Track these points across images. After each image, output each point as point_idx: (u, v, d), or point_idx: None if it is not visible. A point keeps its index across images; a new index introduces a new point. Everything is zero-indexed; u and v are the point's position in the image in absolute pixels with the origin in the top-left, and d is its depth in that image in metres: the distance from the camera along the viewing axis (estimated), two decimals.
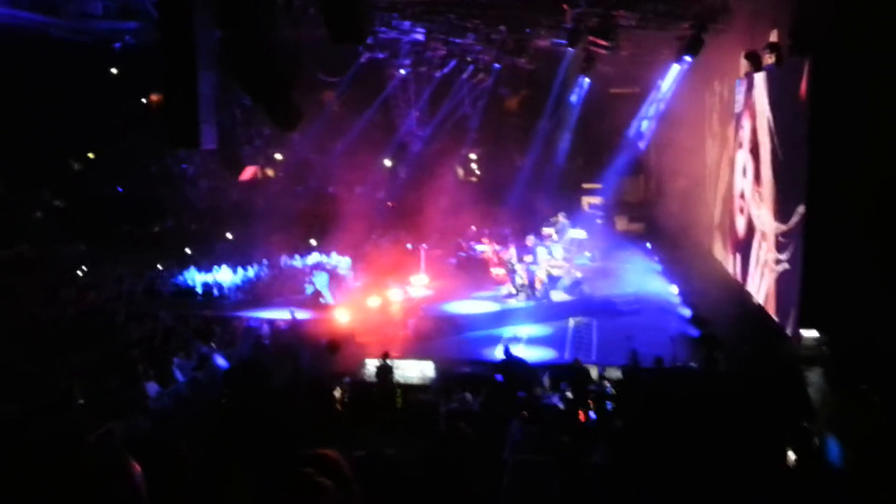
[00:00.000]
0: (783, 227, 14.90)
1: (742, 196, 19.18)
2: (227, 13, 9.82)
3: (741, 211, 19.43)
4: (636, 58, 24.52)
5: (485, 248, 25.13)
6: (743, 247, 18.99)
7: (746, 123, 18.74)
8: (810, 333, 14.39)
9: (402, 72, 27.38)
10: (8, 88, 22.40)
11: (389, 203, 26.55)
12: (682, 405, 11.92)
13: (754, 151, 17.73)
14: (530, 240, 23.57)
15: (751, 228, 18.16)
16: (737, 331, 16.77)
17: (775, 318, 15.60)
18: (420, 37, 21.78)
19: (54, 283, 21.82)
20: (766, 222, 16.30)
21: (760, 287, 16.88)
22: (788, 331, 14.69)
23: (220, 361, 15.67)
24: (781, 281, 15.15)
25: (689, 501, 8.69)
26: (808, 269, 13.49)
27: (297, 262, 24.49)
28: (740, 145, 19.58)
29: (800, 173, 13.73)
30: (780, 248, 15.16)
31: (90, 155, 29.34)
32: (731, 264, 20.54)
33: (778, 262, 15.25)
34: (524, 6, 19.44)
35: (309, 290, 21.84)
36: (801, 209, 13.81)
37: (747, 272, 18.36)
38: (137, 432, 12.13)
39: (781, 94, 15.58)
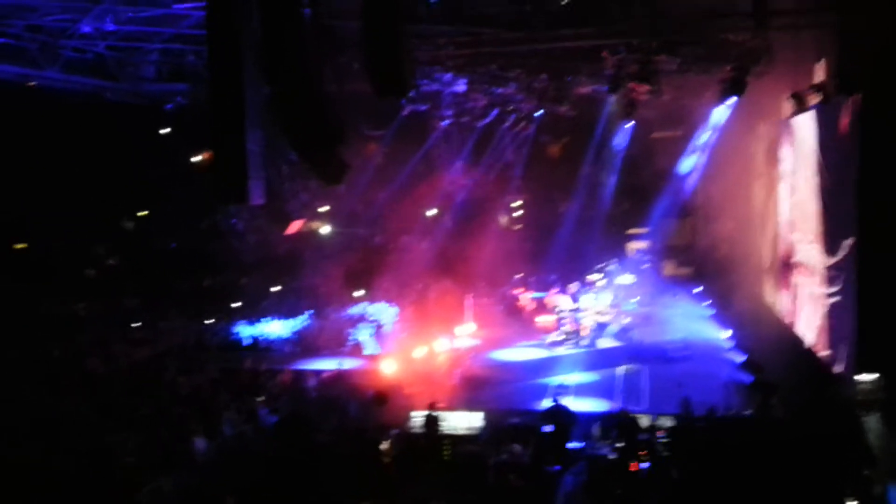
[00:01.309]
0: (832, 260, 14.63)
1: (790, 227, 18.88)
2: (274, 73, 10.09)
3: (788, 244, 19.09)
4: (678, 101, 24.46)
5: (523, 298, 25.05)
6: (792, 283, 18.63)
7: (789, 159, 18.58)
8: (867, 377, 13.95)
9: (445, 123, 27.67)
10: (65, 150, 23.22)
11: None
12: (737, 454, 11.58)
13: (800, 187, 17.53)
14: (573, 286, 23.36)
15: (799, 264, 17.84)
16: (791, 376, 16.33)
17: (828, 352, 15.22)
18: (461, 88, 22.03)
19: (108, 338, 22.26)
20: (814, 256, 16.02)
21: (811, 322, 16.48)
22: (841, 367, 14.30)
23: (268, 415, 15.75)
24: (833, 315, 14.84)
25: None
26: (861, 301, 13.24)
27: (344, 313, 24.64)
28: (783, 179, 19.40)
29: (847, 206, 13.55)
30: (830, 281, 14.88)
31: (142, 213, 30.10)
32: (782, 303, 20.10)
33: (828, 295, 14.94)
34: (564, 55, 19.60)
35: (355, 340, 21.92)
36: (849, 242, 13.58)
37: (797, 310, 17.97)
38: (186, 487, 12.20)
39: (828, 130, 15.43)
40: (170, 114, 23.32)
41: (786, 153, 18.89)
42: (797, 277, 17.94)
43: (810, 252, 16.54)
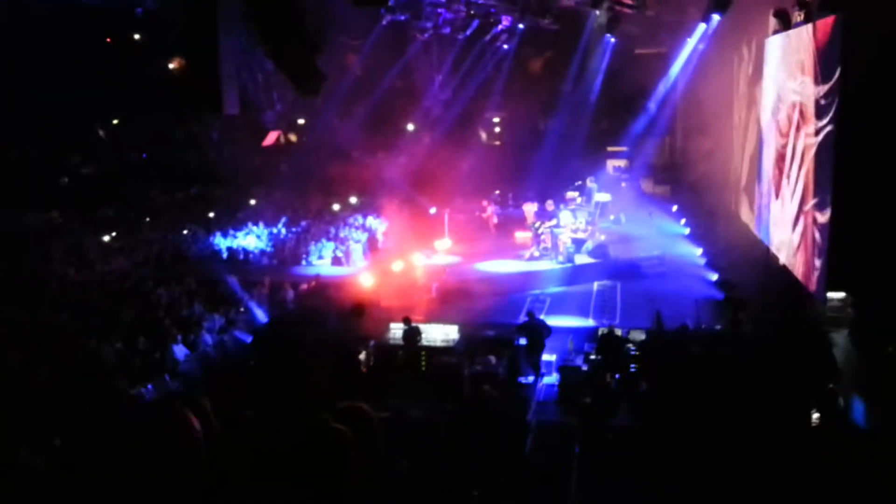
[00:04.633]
0: (825, 88, 14.34)
1: (780, 71, 18.40)
2: None
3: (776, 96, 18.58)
4: (662, 17, 24.09)
5: (489, 212, 25.19)
6: (778, 143, 18.24)
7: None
8: (837, 295, 14.26)
9: (425, 35, 27.11)
10: (35, 55, 22.54)
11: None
12: (705, 367, 11.94)
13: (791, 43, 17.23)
14: (549, 204, 23.42)
15: (789, 111, 17.41)
16: (762, 294, 16.66)
17: (814, 200, 14.94)
18: None
19: (84, 248, 22.15)
20: (807, 92, 15.64)
21: (798, 174, 16.11)
22: (825, 215, 14.23)
23: (246, 325, 15.90)
24: (822, 151, 14.41)
25: (713, 464, 8.74)
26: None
27: (322, 226, 24.63)
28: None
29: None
30: (820, 112, 14.51)
31: (115, 121, 29.51)
32: (766, 166, 19.66)
33: (818, 131, 14.64)
34: None
35: (333, 253, 21.99)
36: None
37: (783, 169, 17.56)
38: (167, 394, 12.38)
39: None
40: (141, 18, 22.62)
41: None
42: (781, 135, 17.52)
43: (801, 87, 16.10)
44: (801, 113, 15.83)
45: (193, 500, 2.22)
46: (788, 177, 16.88)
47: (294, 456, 2.44)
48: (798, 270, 15.70)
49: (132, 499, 2.15)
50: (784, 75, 17.43)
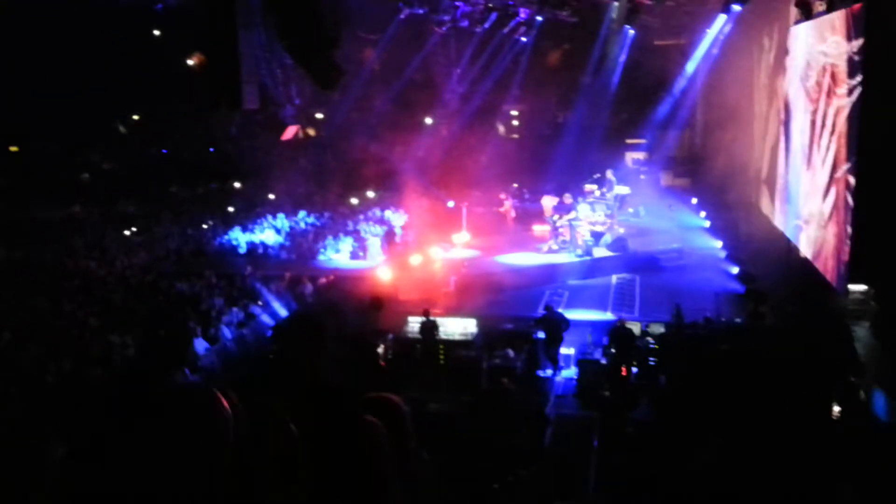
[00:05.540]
0: (857, 43, 14.03)
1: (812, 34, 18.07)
2: None
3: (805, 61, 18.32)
4: (682, 8, 23.89)
5: (506, 205, 25.14)
6: (808, 110, 17.73)
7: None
8: (858, 287, 14.12)
9: (443, 28, 27.04)
10: (55, 52, 22.75)
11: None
12: (726, 360, 11.89)
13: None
14: (567, 197, 23.29)
15: (820, 75, 16.81)
16: (783, 286, 16.52)
17: (847, 165, 14.36)
18: None
19: (105, 242, 22.37)
20: (838, 51, 15.08)
21: (831, 139, 15.58)
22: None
23: (266, 319, 15.99)
24: (855, 110, 13.95)
25: (732, 457, 8.70)
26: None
27: (340, 220, 24.70)
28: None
29: None
30: (853, 70, 14.10)
31: (135, 117, 29.74)
32: (796, 133, 19.23)
33: (851, 90, 14.20)
34: None
35: (350, 248, 22.05)
36: None
37: (814, 136, 17.09)
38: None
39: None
40: (160, 15, 22.75)
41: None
42: (811, 102, 17.11)
43: (831, 47, 15.59)
44: (833, 76, 15.40)
45: (225, 486, 2.22)
46: (819, 144, 16.39)
47: (326, 449, 2.45)
48: (828, 243, 15.16)
49: (164, 482, 2.17)
50: (813, 40, 17.05)
